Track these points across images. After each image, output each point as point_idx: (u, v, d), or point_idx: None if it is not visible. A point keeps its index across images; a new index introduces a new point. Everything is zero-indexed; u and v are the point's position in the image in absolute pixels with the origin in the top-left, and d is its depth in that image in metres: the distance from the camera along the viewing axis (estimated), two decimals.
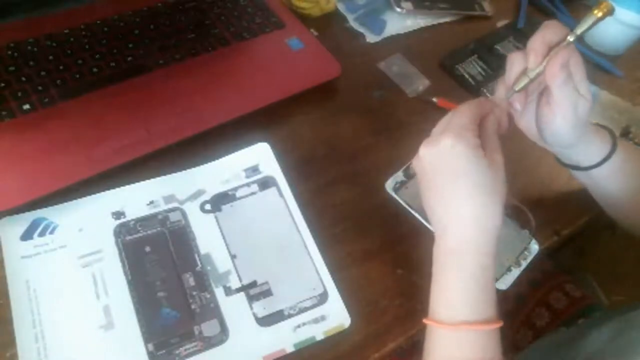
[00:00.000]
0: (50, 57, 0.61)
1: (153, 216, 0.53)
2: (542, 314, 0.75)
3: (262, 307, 0.49)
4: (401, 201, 0.57)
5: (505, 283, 0.53)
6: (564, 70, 0.44)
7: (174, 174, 0.56)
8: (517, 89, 0.47)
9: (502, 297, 0.53)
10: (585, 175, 0.55)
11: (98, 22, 0.66)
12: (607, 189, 0.56)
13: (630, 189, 0.55)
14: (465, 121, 0.44)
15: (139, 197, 0.54)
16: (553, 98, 0.46)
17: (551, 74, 0.45)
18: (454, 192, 0.44)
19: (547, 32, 0.46)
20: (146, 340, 0.46)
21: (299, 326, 0.49)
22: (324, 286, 0.51)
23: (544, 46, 0.45)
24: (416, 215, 0.55)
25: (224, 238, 0.53)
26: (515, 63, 0.47)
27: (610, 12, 0.45)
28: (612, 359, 0.50)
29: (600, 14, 0.45)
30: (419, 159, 0.46)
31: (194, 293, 0.49)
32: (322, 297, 0.50)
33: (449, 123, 0.45)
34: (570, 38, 0.45)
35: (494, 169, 0.44)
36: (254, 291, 0.50)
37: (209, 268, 0.51)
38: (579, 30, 0.45)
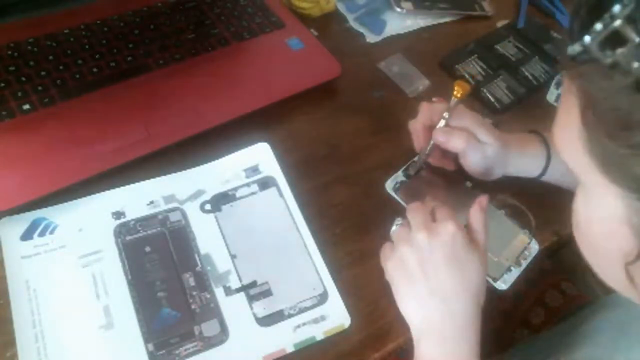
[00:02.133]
0: (50, 57, 0.61)
1: (153, 216, 0.53)
2: (538, 313, 0.76)
3: (262, 307, 0.49)
4: (401, 201, 0.57)
5: (505, 283, 0.53)
6: (461, 141, 0.53)
7: (174, 174, 0.56)
8: (412, 173, 0.59)
9: (500, 297, 0.53)
10: (546, 180, 0.58)
11: (98, 22, 0.66)
12: (571, 184, 0.58)
13: None
14: (450, 211, 0.48)
15: (139, 197, 0.54)
16: (464, 156, 0.54)
17: (453, 147, 0.53)
18: (448, 284, 0.45)
19: (423, 116, 0.56)
20: (146, 340, 0.46)
21: (299, 326, 0.49)
22: (324, 286, 0.51)
23: (424, 128, 0.56)
24: None
25: (224, 238, 0.53)
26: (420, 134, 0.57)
27: (468, 90, 0.54)
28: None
29: (459, 95, 0.54)
30: (415, 249, 0.46)
31: (194, 293, 0.49)
32: (322, 297, 0.50)
33: (436, 215, 0.48)
34: (446, 116, 0.54)
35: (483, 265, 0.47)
36: (254, 291, 0.50)
37: (209, 268, 0.51)
38: (446, 114, 0.54)
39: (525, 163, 0.57)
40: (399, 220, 0.51)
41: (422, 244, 0.46)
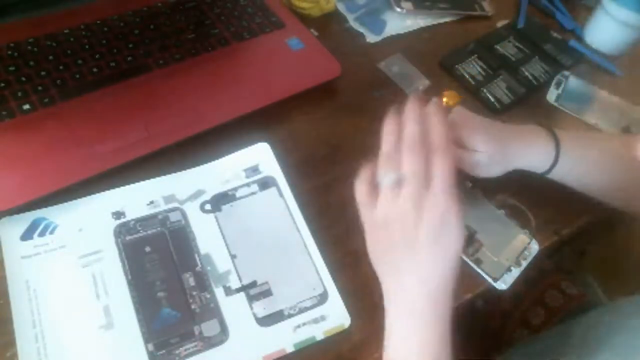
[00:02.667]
0: (50, 57, 0.61)
1: (153, 216, 0.53)
2: (538, 313, 0.75)
3: (262, 307, 0.49)
4: None
5: (505, 283, 0.53)
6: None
7: (174, 174, 0.56)
8: None
9: (499, 297, 0.53)
10: (551, 176, 0.57)
11: (98, 22, 0.66)
12: (575, 183, 0.58)
13: (593, 178, 0.57)
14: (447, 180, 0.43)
15: (139, 197, 0.54)
16: (458, 165, 0.49)
17: None
18: (426, 261, 0.43)
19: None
20: (146, 340, 0.46)
21: (299, 326, 0.49)
22: (324, 286, 0.51)
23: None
24: None
25: (224, 238, 0.53)
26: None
27: (459, 101, 0.55)
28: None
29: (451, 103, 0.54)
30: (401, 220, 0.42)
31: (194, 293, 0.49)
32: (322, 297, 0.50)
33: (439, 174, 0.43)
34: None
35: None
36: (254, 291, 0.50)
37: (209, 268, 0.51)
38: None
39: (529, 159, 0.56)
40: (390, 177, 0.44)
41: (408, 218, 0.42)
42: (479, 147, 0.52)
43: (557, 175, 0.57)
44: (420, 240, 0.42)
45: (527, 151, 0.55)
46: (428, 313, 0.43)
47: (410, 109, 0.46)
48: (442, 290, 0.44)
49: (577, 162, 0.56)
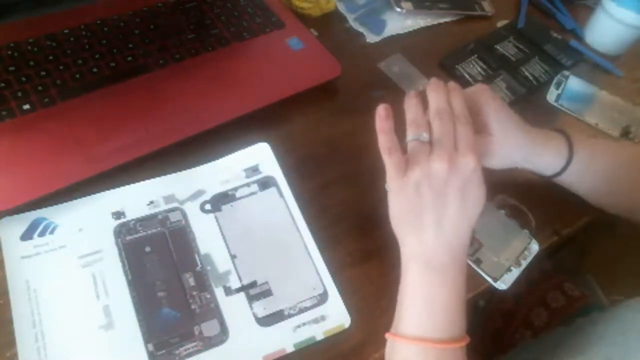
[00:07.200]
0: (50, 57, 0.61)
1: (153, 216, 0.53)
2: (540, 314, 0.75)
3: (262, 307, 0.49)
4: None
5: (505, 283, 0.53)
6: None
7: (173, 174, 0.56)
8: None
9: (501, 298, 0.53)
10: (560, 180, 0.56)
11: (98, 22, 0.66)
12: (583, 189, 0.57)
13: (602, 187, 0.56)
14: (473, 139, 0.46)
15: (139, 197, 0.54)
16: None
17: None
18: (452, 216, 0.45)
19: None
20: (146, 340, 0.46)
21: (299, 326, 0.49)
22: (324, 286, 0.51)
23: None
24: None
25: (224, 238, 0.53)
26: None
27: None
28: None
29: None
30: (432, 179, 0.44)
31: (194, 293, 0.49)
32: (322, 297, 0.50)
33: (461, 139, 0.46)
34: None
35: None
36: (254, 291, 0.50)
37: (209, 268, 0.51)
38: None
39: (540, 160, 0.54)
40: (422, 136, 0.47)
41: (441, 176, 0.44)
42: (494, 129, 0.51)
43: (565, 179, 0.55)
44: (449, 196, 0.44)
45: (539, 151, 0.54)
46: (450, 266, 0.45)
47: (433, 83, 0.49)
48: (461, 246, 0.45)
49: (588, 167, 0.55)
